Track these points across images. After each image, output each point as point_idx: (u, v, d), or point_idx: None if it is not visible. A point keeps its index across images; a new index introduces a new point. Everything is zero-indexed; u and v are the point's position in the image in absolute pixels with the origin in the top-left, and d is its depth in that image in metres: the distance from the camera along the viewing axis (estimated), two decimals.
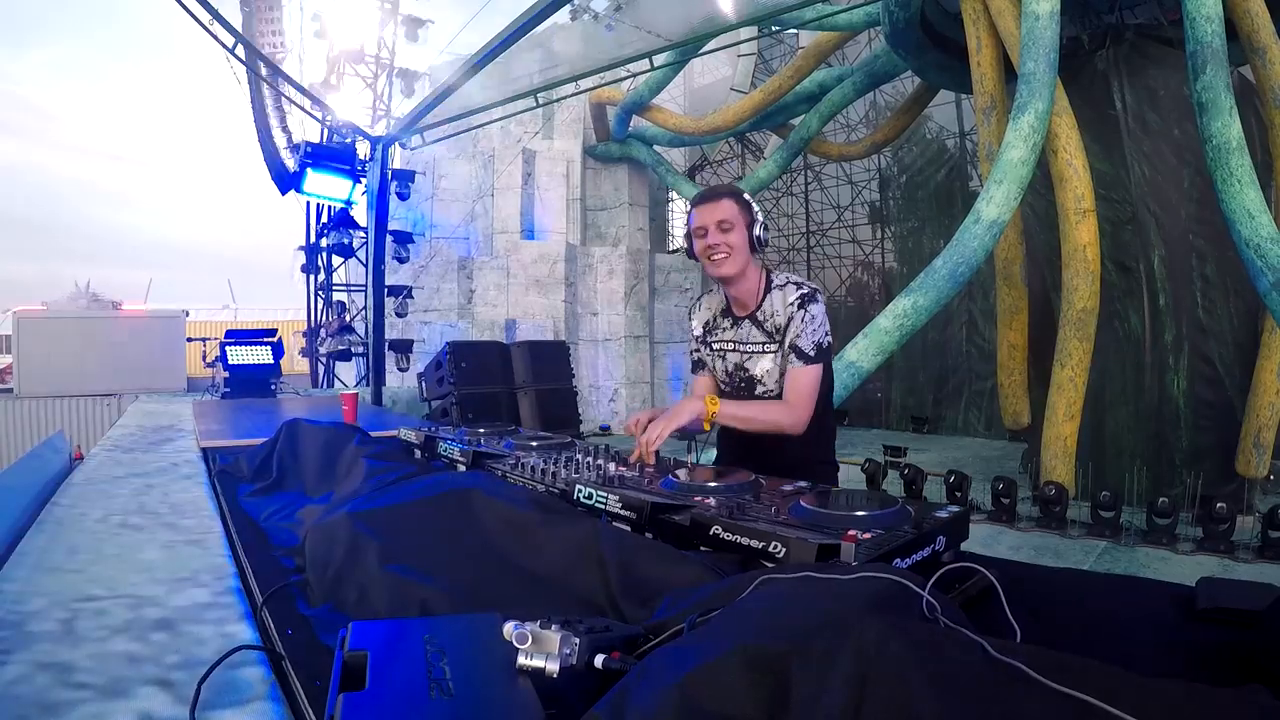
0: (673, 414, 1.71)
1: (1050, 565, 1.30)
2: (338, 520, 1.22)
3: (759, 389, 1.87)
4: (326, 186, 5.85)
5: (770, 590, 0.79)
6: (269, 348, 5.92)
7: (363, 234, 8.71)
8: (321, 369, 10.80)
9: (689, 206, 1.86)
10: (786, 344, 1.80)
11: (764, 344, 1.85)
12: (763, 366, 1.86)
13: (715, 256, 1.78)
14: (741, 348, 1.89)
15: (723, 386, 1.97)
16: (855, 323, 10.90)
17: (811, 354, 1.79)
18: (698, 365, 2.05)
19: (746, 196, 1.83)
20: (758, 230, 1.79)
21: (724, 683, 0.60)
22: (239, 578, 1.22)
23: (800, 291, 1.80)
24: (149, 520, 1.60)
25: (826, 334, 1.82)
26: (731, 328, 1.92)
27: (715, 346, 1.96)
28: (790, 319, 1.79)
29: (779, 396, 1.84)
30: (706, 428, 1.76)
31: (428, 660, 0.70)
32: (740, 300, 1.88)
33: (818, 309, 1.80)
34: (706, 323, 1.99)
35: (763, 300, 1.86)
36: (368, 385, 6.32)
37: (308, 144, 6.25)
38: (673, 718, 0.59)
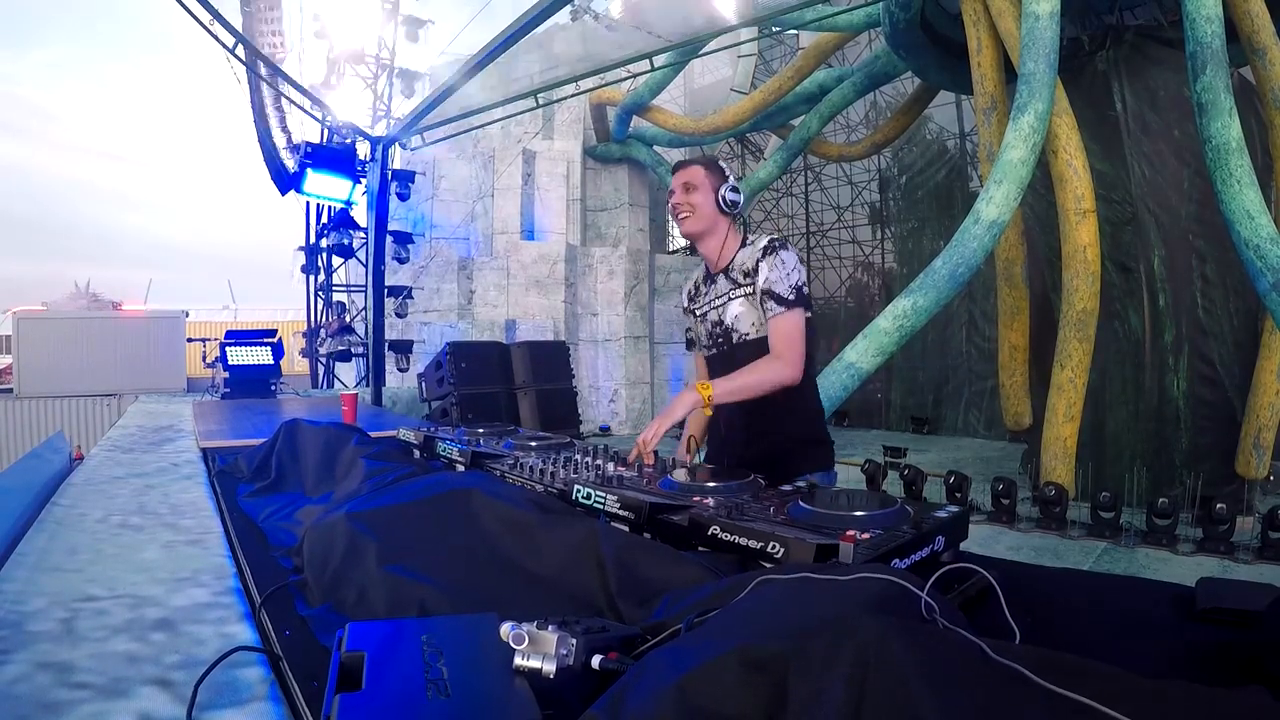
0: (668, 410, 1.72)
1: (1050, 566, 1.30)
2: (336, 520, 1.22)
3: (735, 337, 1.88)
4: (326, 187, 5.85)
5: (768, 591, 0.79)
6: (269, 348, 5.92)
7: (363, 234, 8.71)
8: (321, 369, 10.80)
9: (671, 173, 1.95)
10: (758, 290, 1.79)
11: (732, 291, 1.88)
12: (732, 312, 1.87)
13: (679, 215, 1.88)
14: (717, 301, 1.94)
15: (707, 352, 2.01)
16: (855, 323, 10.90)
17: (790, 297, 1.75)
18: (691, 344, 2.12)
19: (721, 164, 1.91)
20: (724, 191, 1.85)
21: (722, 683, 0.60)
22: (238, 578, 1.22)
23: (770, 239, 1.83)
24: (149, 520, 1.60)
25: (804, 280, 1.80)
26: (710, 289, 1.98)
27: (698, 312, 2.02)
28: (759, 264, 1.79)
29: (752, 339, 1.84)
30: (708, 413, 1.75)
31: (425, 661, 0.70)
32: (711, 259, 1.94)
33: (789, 255, 1.79)
34: (690, 293, 2.07)
35: (736, 255, 1.90)
36: (368, 385, 6.32)
37: (308, 144, 6.25)
38: (670, 718, 0.59)
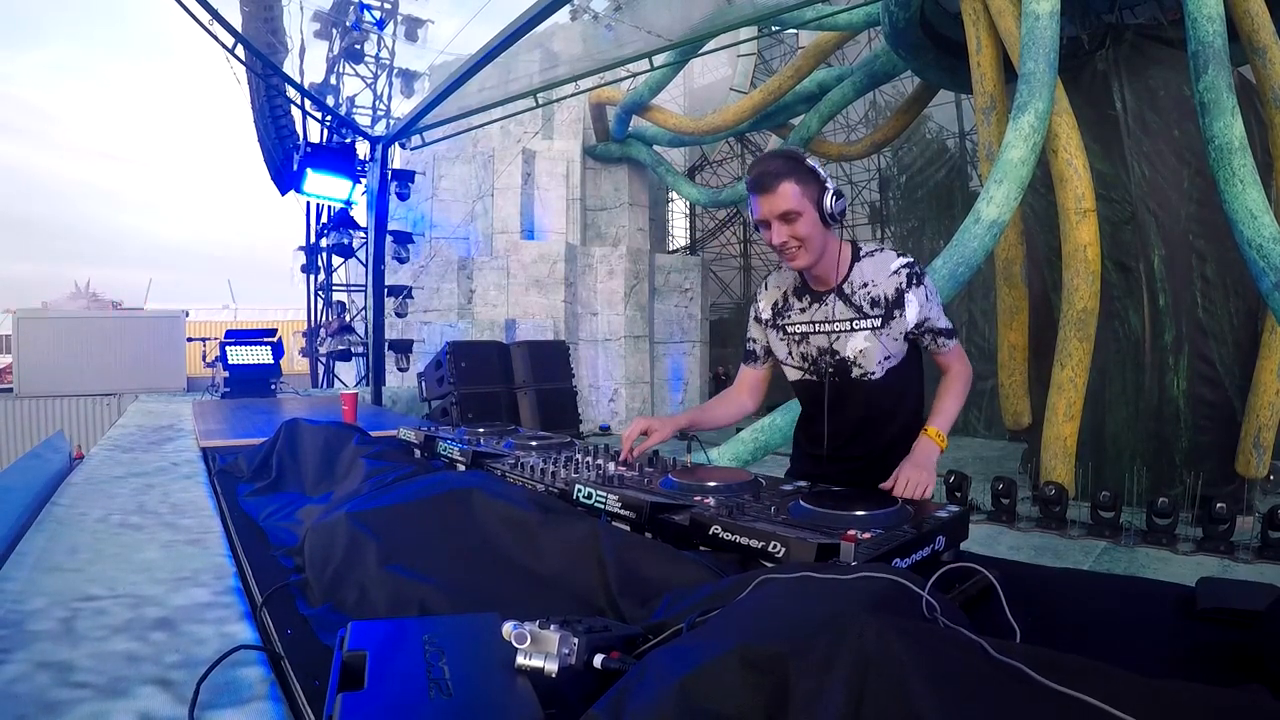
0: (930, 471, 1.51)
1: (1050, 565, 1.30)
2: (337, 520, 1.22)
3: (855, 372, 1.64)
4: (326, 186, 5.84)
5: (769, 590, 0.79)
6: (269, 348, 5.92)
7: (363, 234, 8.71)
8: (321, 369, 10.80)
9: (747, 190, 1.59)
10: (911, 328, 1.63)
11: (853, 320, 1.63)
12: (854, 346, 1.63)
13: (787, 252, 1.56)
14: (827, 327, 1.65)
15: (802, 374, 1.72)
16: None
17: (951, 326, 1.71)
18: (750, 356, 1.82)
19: (810, 163, 1.55)
20: (828, 204, 1.53)
21: (723, 683, 0.60)
22: (239, 577, 1.22)
23: (906, 262, 1.61)
24: (149, 520, 1.60)
25: None
26: (810, 306, 1.68)
27: (789, 329, 1.72)
28: (901, 295, 1.60)
29: (877, 379, 1.65)
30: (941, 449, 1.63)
31: (426, 660, 0.70)
32: (820, 276, 1.66)
33: (928, 279, 1.66)
34: (775, 303, 1.75)
35: (850, 271, 1.64)
36: (368, 385, 6.32)
37: (308, 144, 6.25)
38: (672, 718, 0.59)
